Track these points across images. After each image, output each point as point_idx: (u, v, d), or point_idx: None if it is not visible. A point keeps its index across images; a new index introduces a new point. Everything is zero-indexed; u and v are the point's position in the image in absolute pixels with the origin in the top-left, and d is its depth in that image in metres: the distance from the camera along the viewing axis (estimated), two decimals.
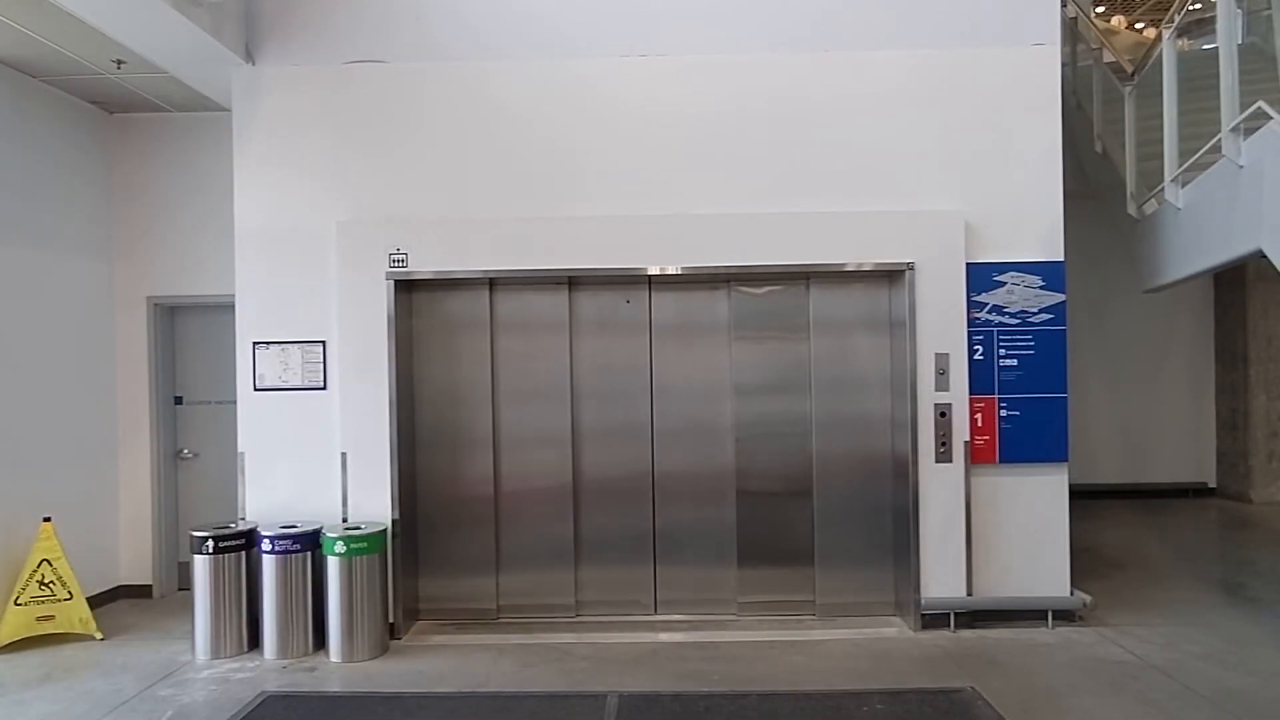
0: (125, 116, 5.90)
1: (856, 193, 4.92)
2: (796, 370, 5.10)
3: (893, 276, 4.98)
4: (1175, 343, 9.11)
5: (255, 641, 4.57)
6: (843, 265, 4.87)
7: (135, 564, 5.77)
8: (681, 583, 5.14)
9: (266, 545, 4.48)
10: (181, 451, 5.96)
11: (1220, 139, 4.15)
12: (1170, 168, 4.85)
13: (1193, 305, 9.06)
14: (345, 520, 4.82)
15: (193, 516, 5.80)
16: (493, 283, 5.11)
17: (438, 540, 5.12)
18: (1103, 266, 8.16)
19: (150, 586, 5.76)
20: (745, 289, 5.13)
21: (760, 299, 5.13)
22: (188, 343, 6.01)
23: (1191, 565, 6.23)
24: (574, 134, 4.99)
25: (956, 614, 4.76)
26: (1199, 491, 9.07)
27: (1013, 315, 4.81)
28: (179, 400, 5.99)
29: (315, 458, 4.89)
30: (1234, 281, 8.73)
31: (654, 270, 4.92)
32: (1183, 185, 4.80)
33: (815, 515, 5.06)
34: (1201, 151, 4.44)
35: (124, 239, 5.85)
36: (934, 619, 4.77)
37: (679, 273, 4.93)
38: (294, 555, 4.49)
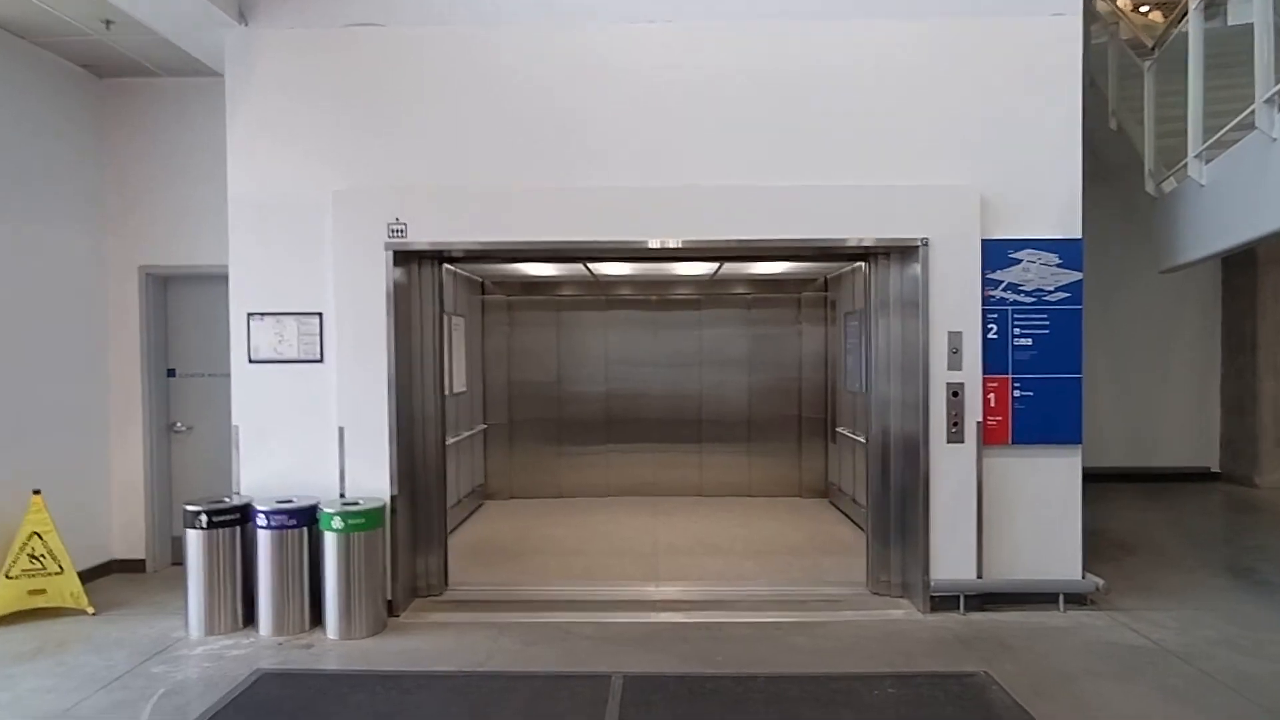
0: (116, 81, 5.72)
1: (868, 166, 4.77)
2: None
3: (905, 253, 4.85)
4: (1181, 327, 9.02)
5: (250, 618, 4.47)
6: (853, 241, 4.74)
7: (128, 538, 5.67)
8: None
9: (262, 520, 4.37)
10: (175, 425, 5.84)
11: (1253, 111, 4.01)
12: (1194, 143, 4.72)
13: (1200, 289, 8.96)
14: (342, 496, 4.71)
15: (186, 491, 5.70)
16: (495, 254, 4.98)
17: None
18: (1110, 249, 8.02)
19: (143, 561, 5.66)
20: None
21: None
22: (181, 314, 5.87)
23: (1201, 549, 6.17)
24: (578, 101, 4.82)
25: (966, 596, 4.67)
26: (1202, 476, 9.02)
27: (1028, 293, 4.68)
28: (172, 373, 5.86)
29: (311, 432, 4.77)
30: (1244, 265, 8.62)
31: (654, 243, 4.78)
32: (1206, 161, 4.66)
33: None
34: (1231, 125, 4.31)
35: (115, 208, 5.69)
36: (943, 601, 4.69)
37: (679, 246, 4.79)
38: (290, 531, 4.38)
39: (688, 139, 4.80)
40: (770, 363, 8.21)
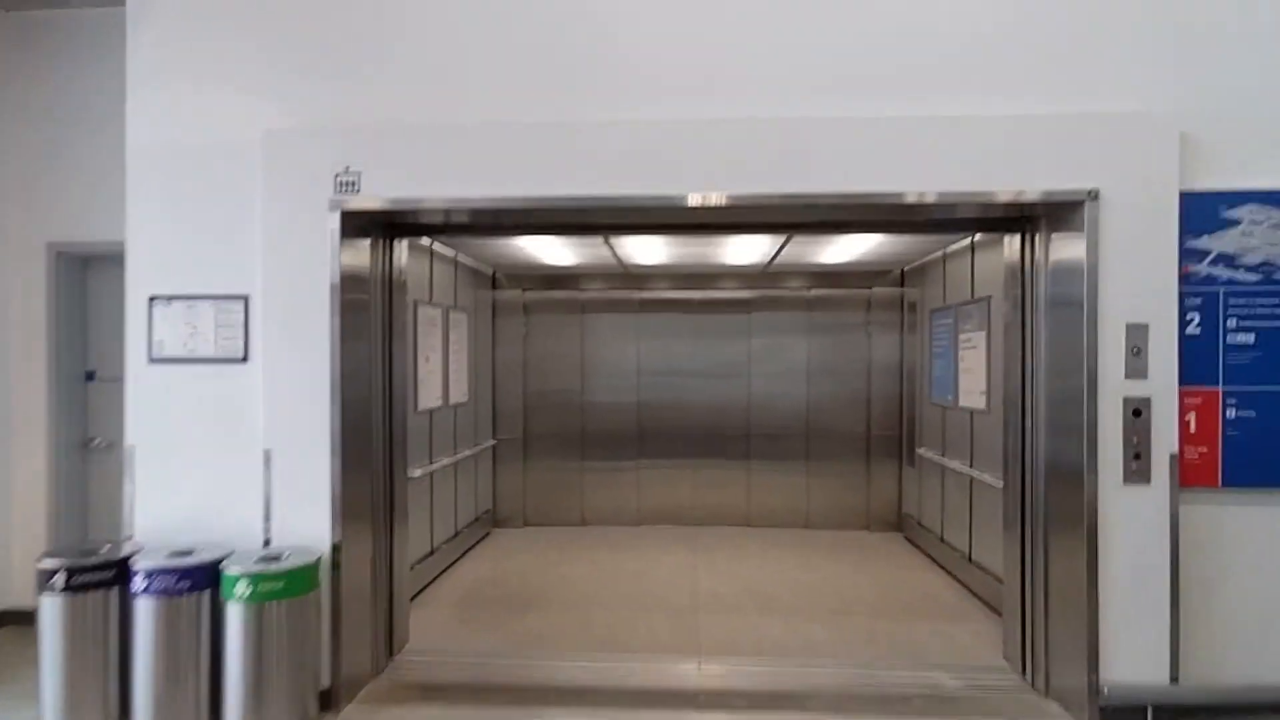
0: (21, 15, 4.58)
1: (997, 85, 3.37)
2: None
3: (1058, 212, 3.42)
4: None
5: (129, 713, 3.21)
6: (985, 195, 3.33)
7: (29, 582, 4.48)
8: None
9: (140, 582, 3.10)
10: (93, 440, 4.65)
11: None
12: None
13: None
14: (268, 543, 3.44)
15: (105, 523, 4.53)
16: (480, 221, 3.69)
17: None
18: None
19: None
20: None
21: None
22: (104, 304, 4.67)
23: None
24: (589, 4, 3.52)
25: (1155, 708, 3.21)
26: None
27: (1251, 269, 3.22)
28: (90, 376, 4.68)
29: (231, 456, 3.51)
30: None
31: (694, 200, 3.43)
32: None
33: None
34: None
35: (16, 170, 4.52)
36: (1118, 713, 3.23)
37: (725, 205, 3.42)
38: (181, 598, 3.11)
39: (738, 51, 3.46)
40: (833, 370, 6.83)
